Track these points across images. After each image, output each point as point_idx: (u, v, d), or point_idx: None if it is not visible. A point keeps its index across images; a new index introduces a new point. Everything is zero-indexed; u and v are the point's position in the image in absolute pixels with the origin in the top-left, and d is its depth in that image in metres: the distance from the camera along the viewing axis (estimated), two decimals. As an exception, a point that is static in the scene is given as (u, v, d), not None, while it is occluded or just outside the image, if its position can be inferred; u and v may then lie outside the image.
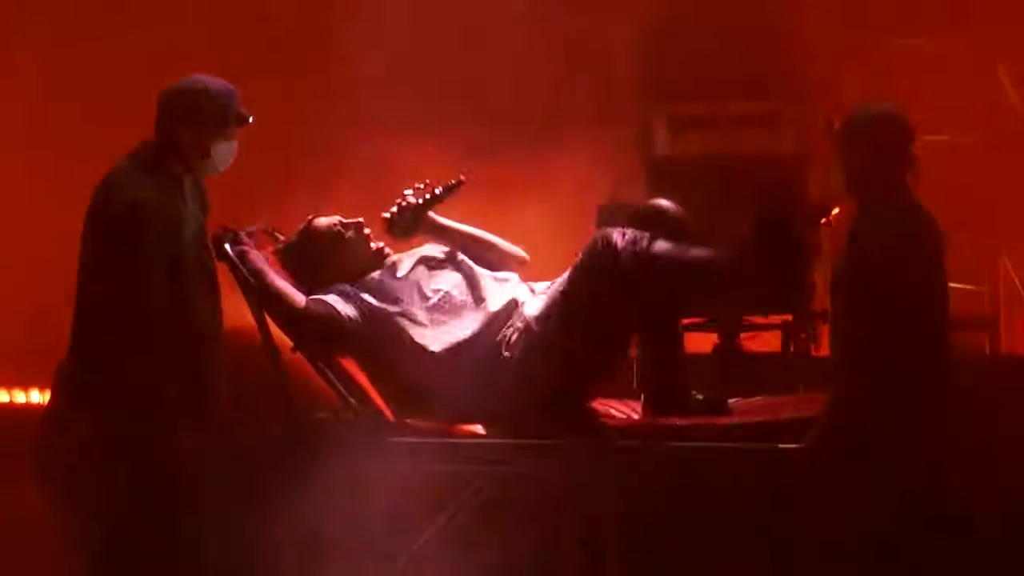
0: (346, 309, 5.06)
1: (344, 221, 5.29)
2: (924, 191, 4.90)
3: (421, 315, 5.08)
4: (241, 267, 5.02)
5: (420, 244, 5.39)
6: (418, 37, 7.71)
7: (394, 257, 5.31)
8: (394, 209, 5.30)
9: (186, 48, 7.37)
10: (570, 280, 4.99)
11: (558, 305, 4.98)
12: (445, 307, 5.10)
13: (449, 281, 5.19)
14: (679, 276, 4.90)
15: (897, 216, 4.80)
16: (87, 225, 4.91)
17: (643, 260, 4.87)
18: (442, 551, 4.98)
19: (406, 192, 5.31)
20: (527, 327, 5.00)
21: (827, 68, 7.37)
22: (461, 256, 5.27)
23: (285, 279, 5.13)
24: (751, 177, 6.79)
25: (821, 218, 6.74)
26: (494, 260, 5.35)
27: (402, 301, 5.10)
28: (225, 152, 4.99)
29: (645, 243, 4.89)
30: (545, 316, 4.99)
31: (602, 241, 4.92)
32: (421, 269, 5.23)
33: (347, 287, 5.14)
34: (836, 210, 6.57)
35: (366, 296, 5.11)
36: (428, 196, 5.29)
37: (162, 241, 4.85)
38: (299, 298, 5.06)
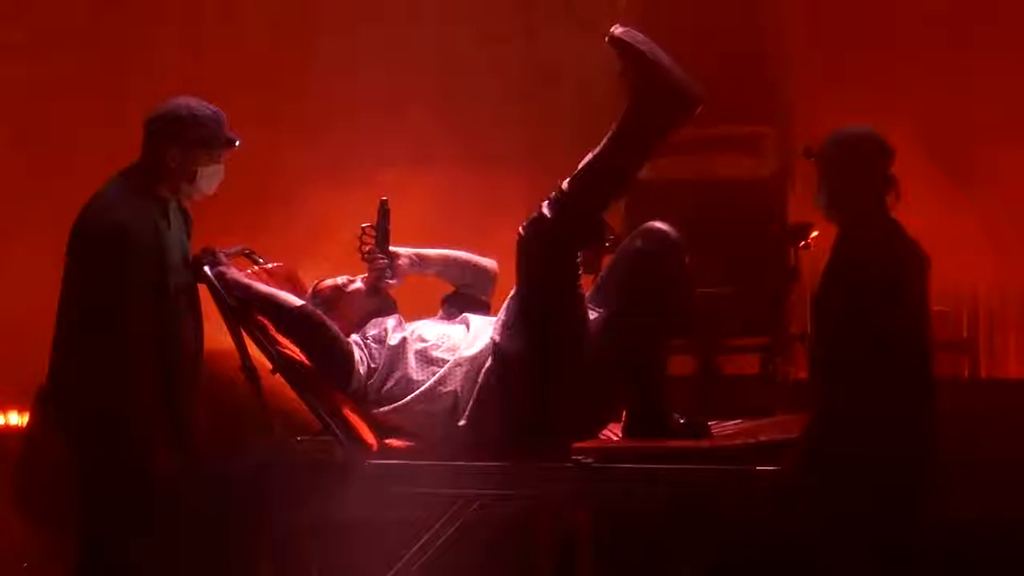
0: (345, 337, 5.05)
1: (350, 277, 5.28)
2: (903, 213, 4.92)
3: (412, 360, 5.06)
4: (219, 287, 4.99)
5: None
6: (399, 63, 7.74)
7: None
8: (369, 266, 5.28)
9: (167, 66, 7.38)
10: (518, 281, 4.97)
11: (514, 310, 4.97)
12: (442, 345, 5.07)
13: (451, 327, 5.18)
14: (595, 182, 4.91)
15: (877, 238, 4.82)
16: (71, 247, 4.87)
17: (561, 204, 4.86)
18: (421, 574, 4.97)
19: (362, 248, 5.30)
20: (494, 344, 4.97)
21: (806, 91, 7.39)
22: (464, 315, 5.25)
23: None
24: (730, 201, 6.81)
25: (800, 241, 6.77)
26: (468, 274, 5.35)
27: (394, 343, 5.09)
28: (212, 176, 4.98)
29: (552, 195, 4.89)
30: (506, 324, 4.97)
31: (522, 231, 4.91)
32: (424, 323, 5.22)
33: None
34: (815, 232, 6.59)
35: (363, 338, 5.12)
36: (376, 232, 5.27)
37: (146, 266, 4.83)
38: (293, 299, 5.04)
